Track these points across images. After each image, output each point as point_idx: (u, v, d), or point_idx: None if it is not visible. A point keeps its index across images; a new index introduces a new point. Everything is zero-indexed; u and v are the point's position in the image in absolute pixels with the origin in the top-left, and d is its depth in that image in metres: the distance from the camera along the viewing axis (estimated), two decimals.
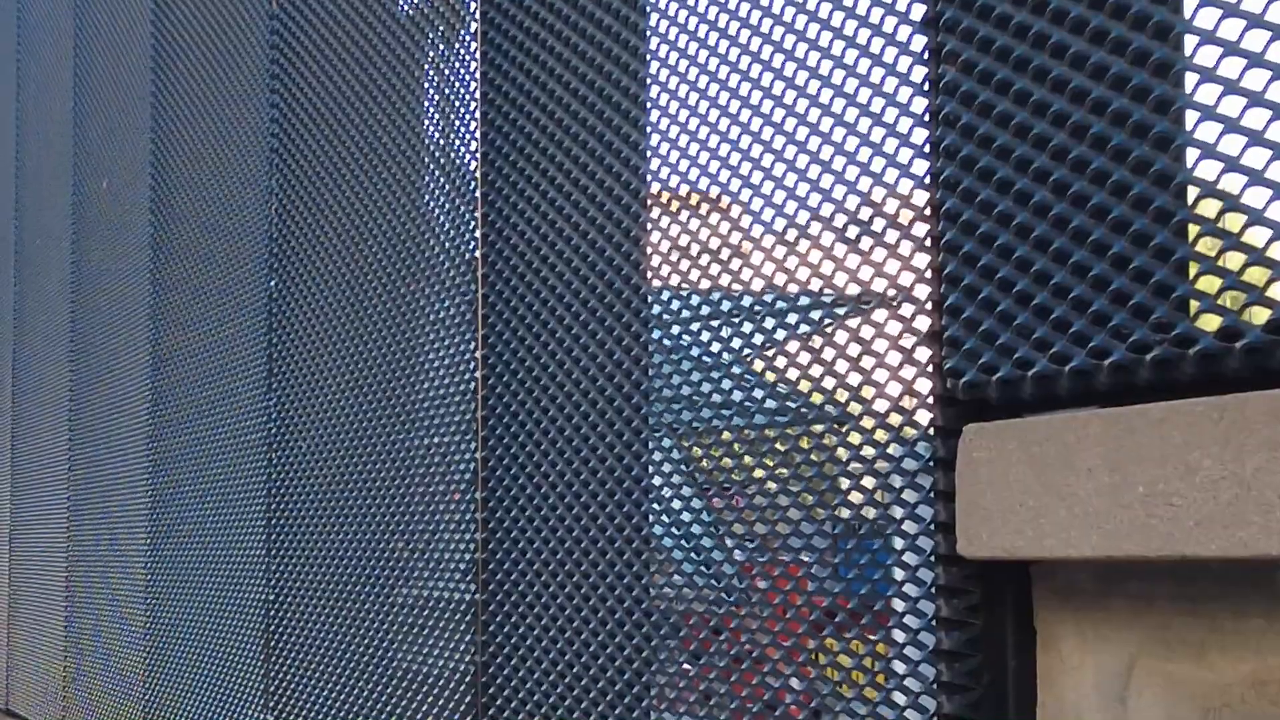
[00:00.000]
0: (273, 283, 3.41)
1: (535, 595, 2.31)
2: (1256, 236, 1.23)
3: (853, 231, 1.67)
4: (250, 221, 3.62)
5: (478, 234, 2.54)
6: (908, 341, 1.58)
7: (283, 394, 3.33)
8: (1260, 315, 1.23)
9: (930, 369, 1.54)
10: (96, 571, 4.94)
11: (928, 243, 1.56)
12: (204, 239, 3.97)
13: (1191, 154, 1.31)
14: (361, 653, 2.86)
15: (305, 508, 3.17)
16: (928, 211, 1.56)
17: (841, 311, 1.72)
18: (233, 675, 3.54)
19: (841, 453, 1.73)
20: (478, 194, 2.54)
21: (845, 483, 1.73)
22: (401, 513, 2.75)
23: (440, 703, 2.55)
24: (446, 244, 2.67)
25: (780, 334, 1.85)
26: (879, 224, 1.63)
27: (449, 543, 2.54)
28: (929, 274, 1.55)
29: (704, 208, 1.99)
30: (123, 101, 4.78)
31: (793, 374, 1.81)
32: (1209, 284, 1.28)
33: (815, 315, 1.77)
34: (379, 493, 2.85)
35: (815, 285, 1.76)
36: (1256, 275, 1.24)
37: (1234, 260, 1.24)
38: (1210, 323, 1.28)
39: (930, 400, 1.54)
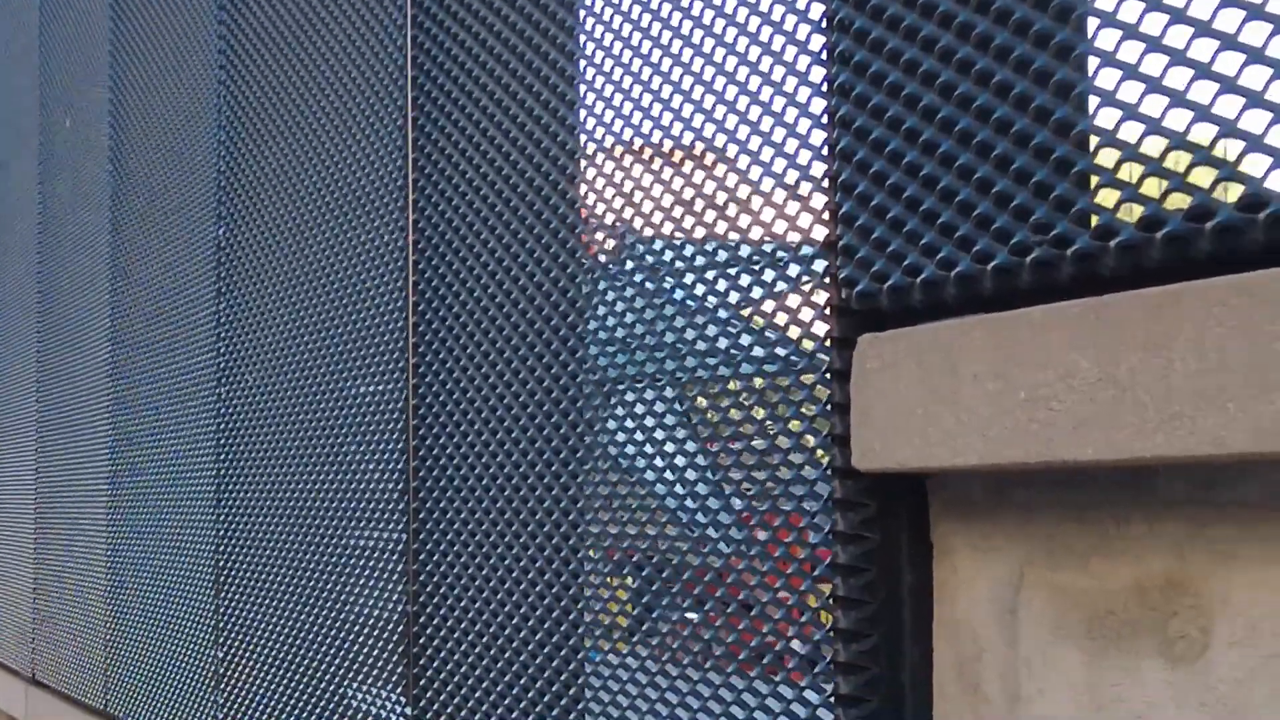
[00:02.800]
0: (221, 230, 3.38)
1: (464, 542, 2.29)
2: (1133, 133, 1.20)
3: (754, 143, 1.63)
4: (200, 165, 3.59)
5: (410, 177, 2.51)
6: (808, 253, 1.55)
7: (231, 339, 3.31)
8: (1135, 213, 1.20)
9: (827, 280, 1.51)
10: (61, 513, 4.95)
11: (824, 151, 1.52)
12: (158, 177, 3.94)
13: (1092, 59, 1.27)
14: (304, 598, 2.85)
15: (252, 447, 3.16)
16: (824, 119, 1.52)
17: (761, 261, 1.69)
18: (185, 616, 3.54)
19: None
20: (409, 137, 2.51)
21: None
22: (338, 457, 2.73)
23: (373, 647, 2.54)
24: (378, 181, 2.63)
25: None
26: (777, 133, 1.59)
27: (381, 486, 2.52)
28: (825, 182, 1.52)
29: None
30: (84, 38, 4.75)
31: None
32: (1088, 183, 1.25)
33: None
34: (319, 437, 2.83)
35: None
36: (1132, 173, 1.21)
37: (1108, 158, 1.21)
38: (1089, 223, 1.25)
39: (827, 312, 1.51)
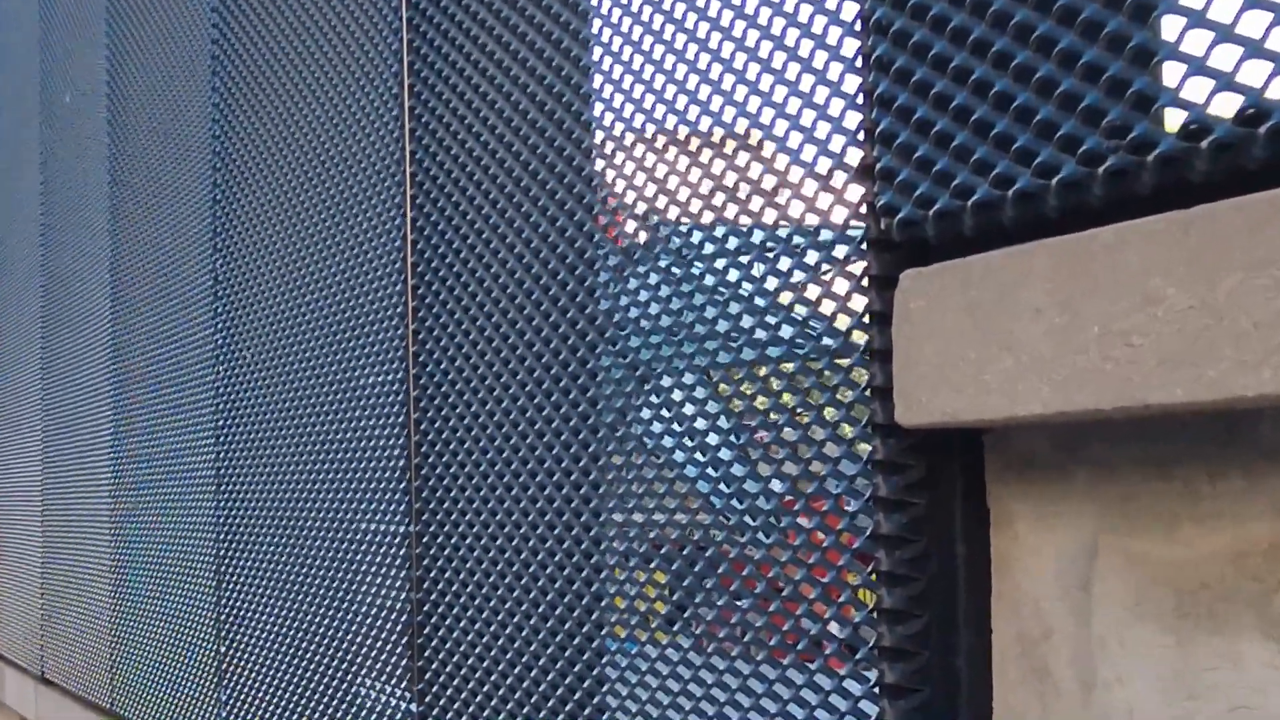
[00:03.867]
0: (217, 197, 3.21)
1: (468, 531, 2.11)
2: (1224, 9, 1.00)
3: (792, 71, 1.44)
4: (195, 150, 3.42)
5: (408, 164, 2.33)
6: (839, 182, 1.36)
7: (229, 330, 3.14)
8: (1231, 106, 1.01)
9: (864, 210, 1.32)
10: (66, 508, 4.82)
11: (858, 62, 1.33)
12: (155, 154, 3.79)
13: None
14: (305, 592, 2.68)
15: (251, 440, 2.99)
16: (856, 26, 1.33)
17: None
18: (187, 613, 3.38)
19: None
20: (405, 107, 2.33)
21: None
22: (338, 447, 2.56)
23: (376, 640, 2.36)
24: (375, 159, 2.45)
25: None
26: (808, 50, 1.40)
27: (382, 475, 2.35)
28: (860, 97, 1.32)
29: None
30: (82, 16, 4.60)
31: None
32: (1171, 74, 1.05)
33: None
34: (318, 428, 2.66)
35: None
36: (1228, 57, 1.01)
37: (1197, 43, 1.02)
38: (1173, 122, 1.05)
39: (864, 246, 1.32)
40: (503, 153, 2.10)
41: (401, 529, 2.24)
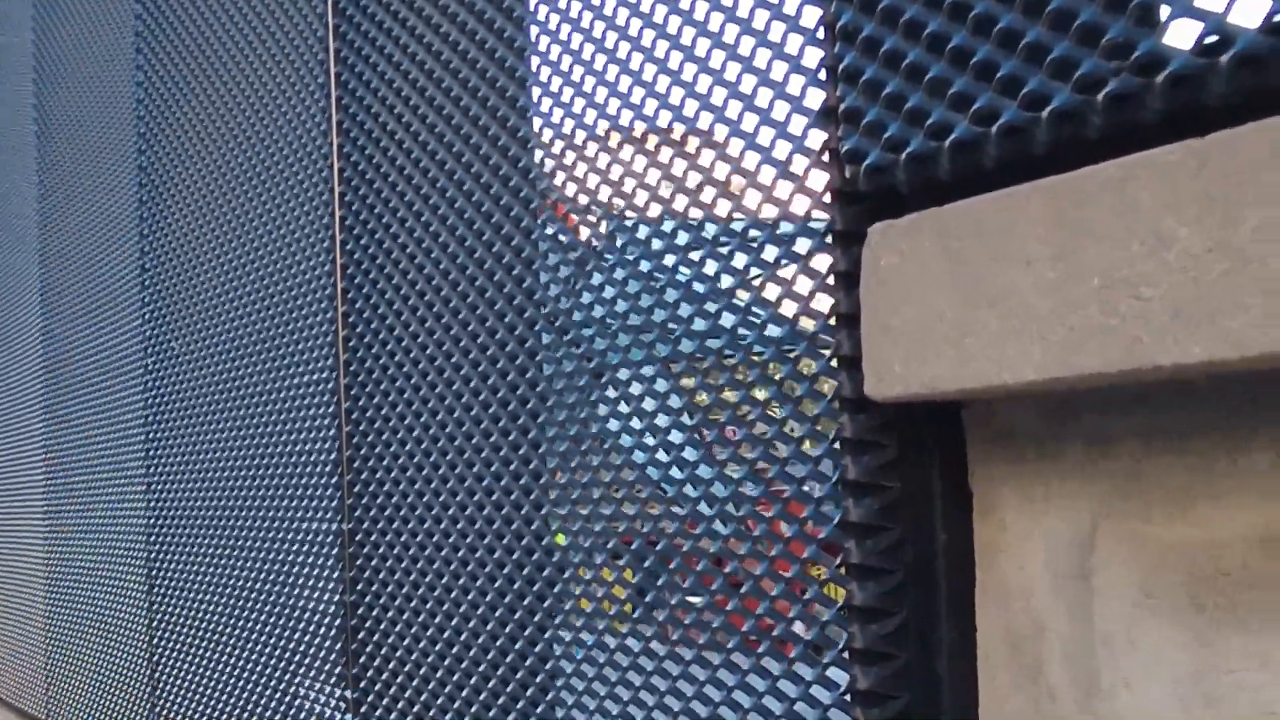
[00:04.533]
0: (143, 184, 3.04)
1: (403, 522, 1.95)
2: None
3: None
4: (121, 144, 3.25)
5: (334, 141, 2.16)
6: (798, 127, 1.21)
7: (160, 317, 2.96)
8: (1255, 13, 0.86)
9: (826, 157, 1.17)
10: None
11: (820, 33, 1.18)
12: (81, 156, 3.61)
13: None
14: (237, 595, 2.51)
15: (182, 442, 2.81)
16: None
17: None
18: (120, 621, 3.21)
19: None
20: (332, 98, 2.17)
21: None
22: (269, 448, 2.39)
23: (310, 641, 2.20)
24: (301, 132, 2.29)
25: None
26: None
27: (314, 467, 2.19)
28: (821, 31, 1.18)
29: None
30: None
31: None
32: None
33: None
34: (248, 428, 2.49)
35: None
36: None
37: None
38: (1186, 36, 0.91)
39: (828, 199, 1.17)
40: (434, 144, 1.94)
41: (334, 527, 2.08)
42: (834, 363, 1.16)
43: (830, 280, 1.17)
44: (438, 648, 1.89)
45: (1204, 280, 0.85)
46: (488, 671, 1.81)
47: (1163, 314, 0.88)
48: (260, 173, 2.49)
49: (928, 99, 1.07)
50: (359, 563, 2.00)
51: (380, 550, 1.98)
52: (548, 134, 1.71)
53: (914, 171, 1.09)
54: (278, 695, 2.31)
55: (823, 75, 1.17)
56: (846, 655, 1.14)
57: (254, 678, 2.43)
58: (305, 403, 2.22)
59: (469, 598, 1.82)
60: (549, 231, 1.74)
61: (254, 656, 2.43)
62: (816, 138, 1.19)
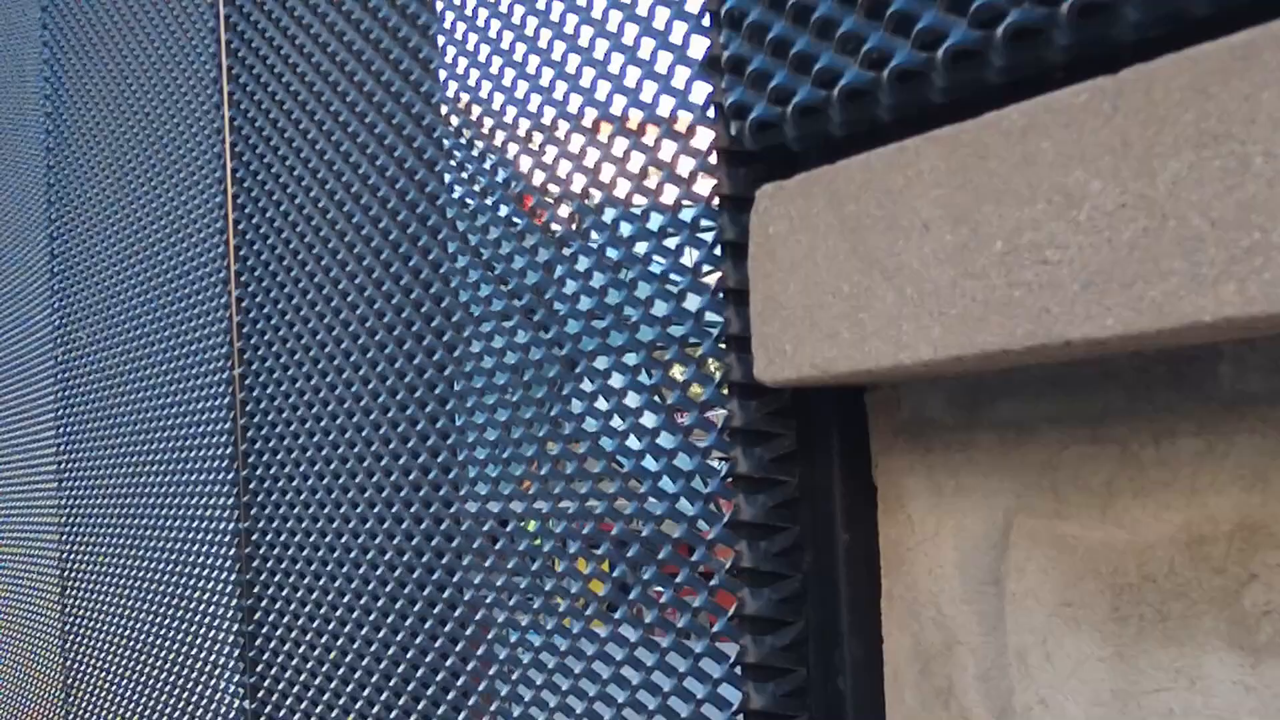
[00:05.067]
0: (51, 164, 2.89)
1: (311, 520, 1.82)
2: None
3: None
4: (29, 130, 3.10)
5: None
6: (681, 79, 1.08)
7: (68, 307, 2.82)
8: None
9: (711, 113, 1.05)
10: None
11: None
12: None
13: None
14: (146, 594, 2.38)
15: (93, 440, 2.67)
16: None
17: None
18: (32, 626, 3.07)
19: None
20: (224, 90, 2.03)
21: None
22: (168, 432, 2.26)
23: (211, 648, 2.07)
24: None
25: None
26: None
27: (209, 462, 2.05)
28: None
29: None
30: None
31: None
32: None
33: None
34: (152, 424, 2.36)
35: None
36: None
37: None
38: None
39: (712, 160, 1.04)
40: (327, 114, 1.81)
41: (230, 526, 1.95)
42: (722, 344, 1.03)
43: (718, 251, 1.04)
44: (345, 656, 1.77)
45: (1118, 241, 0.73)
46: (396, 682, 1.69)
47: (1072, 282, 0.75)
48: (155, 153, 2.35)
49: (815, 42, 0.94)
50: (255, 564, 1.87)
51: (276, 551, 1.85)
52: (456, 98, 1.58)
53: (804, 126, 0.96)
54: (179, 705, 2.18)
55: (706, 20, 1.04)
56: (739, 671, 1.02)
57: (158, 686, 2.30)
58: (198, 392, 2.09)
59: (378, 604, 1.69)
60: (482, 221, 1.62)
61: (157, 664, 2.30)
62: (702, 92, 1.06)
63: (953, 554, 0.95)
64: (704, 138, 1.07)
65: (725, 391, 1.03)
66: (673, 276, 1.10)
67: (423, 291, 1.67)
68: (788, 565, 1.00)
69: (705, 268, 1.08)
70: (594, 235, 1.21)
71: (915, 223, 0.86)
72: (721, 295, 1.03)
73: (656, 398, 1.15)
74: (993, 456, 0.92)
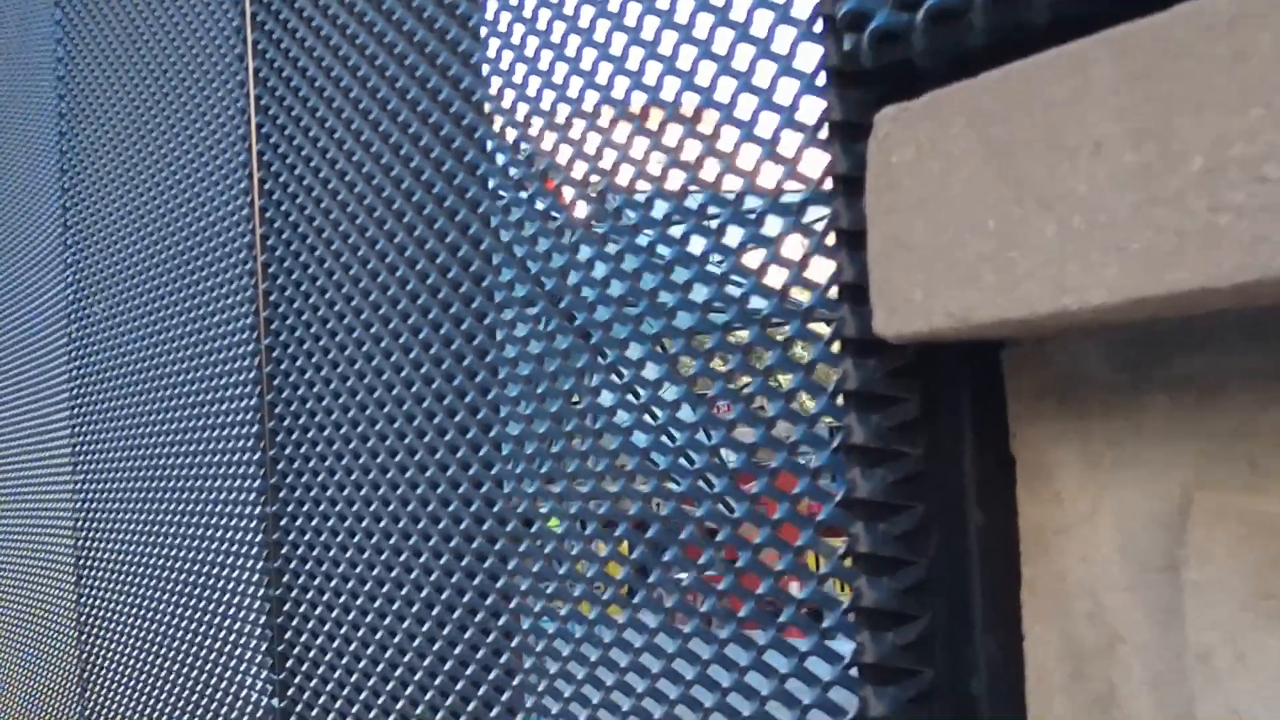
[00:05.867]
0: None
1: (346, 504, 1.69)
2: None
3: None
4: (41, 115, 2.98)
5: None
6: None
7: (83, 286, 2.69)
8: None
9: (820, 26, 0.91)
10: None
11: None
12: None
13: None
14: (165, 586, 2.25)
15: (107, 425, 2.55)
16: None
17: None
18: (47, 616, 2.95)
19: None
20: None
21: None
22: (192, 427, 2.12)
23: (237, 642, 1.94)
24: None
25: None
26: None
27: (234, 441, 1.92)
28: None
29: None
30: None
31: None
32: None
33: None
34: (172, 409, 2.22)
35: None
36: None
37: None
38: None
39: (821, 81, 0.90)
40: (362, 91, 1.67)
41: (257, 510, 1.81)
42: (834, 293, 0.89)
43: (829, 186, 0.90)
44: (384, 651, 1.63)
45: None
46: (442, 680, 1.56)
47: None
48: (178, 130, 2.22)
49: None
50: (284, 551, 1.74)
51: (308, 537, 1.72)
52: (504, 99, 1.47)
53: (937, 36, 0.82)
54: (202, 702, 2.05)
55: None
56: (855, 673, 0.88)
57: (180, 682, 2.17)
58: (220, 366, 1.96)
59: (421, 594, 1.56)
60: (539, 207, 1.51)
61: (179, 659, 2.17)
62: (805, 4, 0.92)
63: (1114, 536, 0.81)
64: (807, 60, 0.93)
65: (837, 348, 0.89)
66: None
67: (461, 270, 1.54)
68: (911, 550, 0.87)
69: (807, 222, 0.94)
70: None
71: (1084, 142, 0.72)
72: (832, 238, 0.89)
73: (749, 359, 1.01)
74: (1167, 422, 0.78)
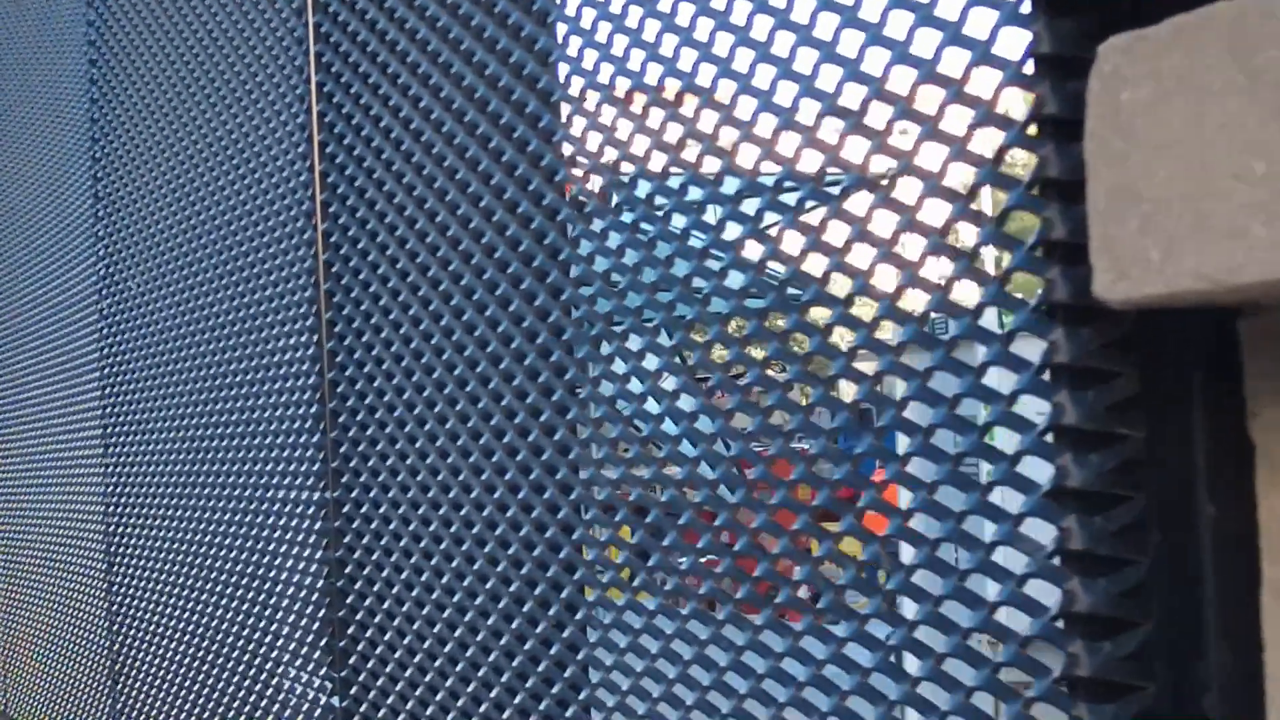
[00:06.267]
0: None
1: (402, 490, 1.58)
2: None
3: None
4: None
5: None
6: None
7: (113, 256, 2.58)
8: None
9: None
10: None
11: None
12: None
13: None
14: (200, 581, 2.14)
15: (141, 408, 2.44)
16: None
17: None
18: (78, 610, 2.84)
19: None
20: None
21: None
22: (241, 420, 2.01)
23: (291, 635, 1.83)
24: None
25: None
26: None
27: (292, 423, 1.81)
28: None
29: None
30: None
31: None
32: None
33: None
34: (217, 396, 2.11)
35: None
36: None
37: None
38: None
39: (1026, 9, 0.79)
40: (415, 52, 1.56)
41: (316, 496, 1.70)
42: (1040, 253, 0.78)
43: (1034, 130, 0.79)
44: (443, 646, 1.53)
45: None
46: (510, 678, 1.45)
47: None
48: (228, 97, 2.10)
49: None
50: (347, 540, 1.63)
51: (374, 525, 1.61)
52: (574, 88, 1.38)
53: None
54: (255, 701, 1.95)
55: None
56: (1065, 688, 0.77)
57: (230, 679, 2.07)
58: (276, 343, 1.85)
59: (486, 586, 1.45)
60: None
61: (231, 654, 2.06)
62: None
63: None
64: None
65: (1044, 315, 0.78)
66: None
67: (534, 243, 1.44)
68: (1131, 548, 0.76)
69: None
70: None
71: None
72: (1037, 190, 0.78)
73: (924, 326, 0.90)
74: None
